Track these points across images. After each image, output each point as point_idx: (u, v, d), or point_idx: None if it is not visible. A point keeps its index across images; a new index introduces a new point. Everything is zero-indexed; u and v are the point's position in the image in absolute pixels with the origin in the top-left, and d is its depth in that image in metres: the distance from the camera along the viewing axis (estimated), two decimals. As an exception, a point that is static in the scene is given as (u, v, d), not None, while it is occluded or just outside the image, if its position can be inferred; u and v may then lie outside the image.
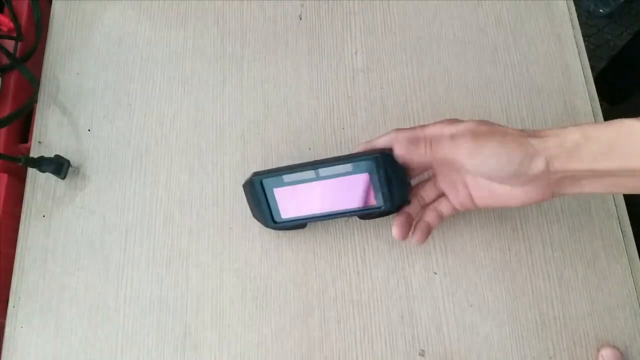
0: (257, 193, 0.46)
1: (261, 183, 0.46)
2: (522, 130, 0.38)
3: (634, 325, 0.51)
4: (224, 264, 0.52)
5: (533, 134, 0.37)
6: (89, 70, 0.59)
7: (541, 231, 0.53)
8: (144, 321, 0.50)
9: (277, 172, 0.45)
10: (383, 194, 0.43)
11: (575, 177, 0.37)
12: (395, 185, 0.43)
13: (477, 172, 0.39)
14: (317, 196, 0.45)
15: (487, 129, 0.38)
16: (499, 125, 0.39)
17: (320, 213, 0.46)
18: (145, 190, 0.54)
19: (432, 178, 0.46)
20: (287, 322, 0.50)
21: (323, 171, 0.44)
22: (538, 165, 0.36)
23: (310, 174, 0.44)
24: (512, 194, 0.40)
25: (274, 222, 0.47)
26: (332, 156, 0.46)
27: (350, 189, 0.44)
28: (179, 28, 0.61)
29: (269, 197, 0.46)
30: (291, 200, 0.46)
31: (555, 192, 0.39)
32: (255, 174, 0.46)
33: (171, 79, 0.59)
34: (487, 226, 0.53)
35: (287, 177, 0.45)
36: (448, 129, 0.40)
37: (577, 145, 0.35)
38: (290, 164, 0.47)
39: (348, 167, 0.43)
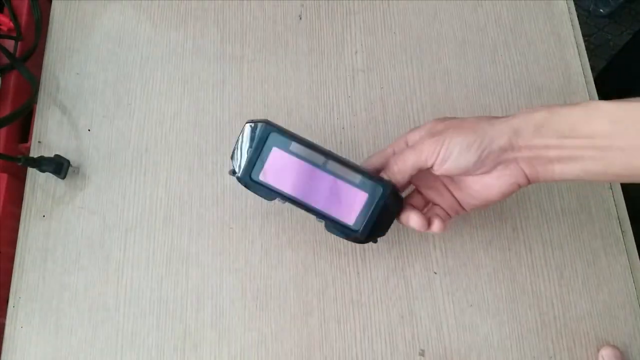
0: (255, 140, 0.42)
1: (266, 136, 0.41)
2: (487, 117, 0.39)
3: (634, 325, 0.51)
4: (224, 264, 0.52)
5: (498, 117, 0.38)
6: (88, 70, 0.59)
7: (541, 231, 0.53)
8: (144, 321, 0.50)
9: (289, 136, 0.41)
10: (366, 221, 0.42)
11: (545, 158, 0.37)
12: (382, 221, 0.42)
13: (444, 169, 0.39)
14: (307, 181, 0.42)
15: (444, 125, 0.39)
16: (458, 118, 0.40)
17: (297, 197, 0.43)
18: (145, 190, 0.54)
19: (416, 190, 0.46)
20: (287, 322, 0.50)
21: (332, 165, 0.42)
22: (499, 142, 0.37)
23: (319, 158, 0.42)
24: (487, 184, 0.39)
25: (249, 177, 0.43)
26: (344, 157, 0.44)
27: (342, 197, 0.42)
28: (179, 28, 0.61)
29: (262, 152, 0.42)
30: (280, 168, 0.42)
31: (530, 175, 0.38)
32: (268, 123, 0.42)
33: (171, 78, 0.59)
34: (487, 226, 0.53)
35: (294, 146, 0.41)
36: (411, 138, 0.42)
37: (543, 120, 0.36)
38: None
39: (356, 177, 0.42)
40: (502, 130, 0.37)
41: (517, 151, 0.37)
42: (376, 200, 0.41)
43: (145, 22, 0.61)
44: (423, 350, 0.49)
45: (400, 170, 0.41)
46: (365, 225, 0.42)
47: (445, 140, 0.37)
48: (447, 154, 0.38)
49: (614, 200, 0.55)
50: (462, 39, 0.61)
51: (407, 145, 0.43)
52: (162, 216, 0.53)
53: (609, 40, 1.67)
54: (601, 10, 1.66)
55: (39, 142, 0.56)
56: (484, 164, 0.38)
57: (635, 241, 0.54)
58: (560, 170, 0.37)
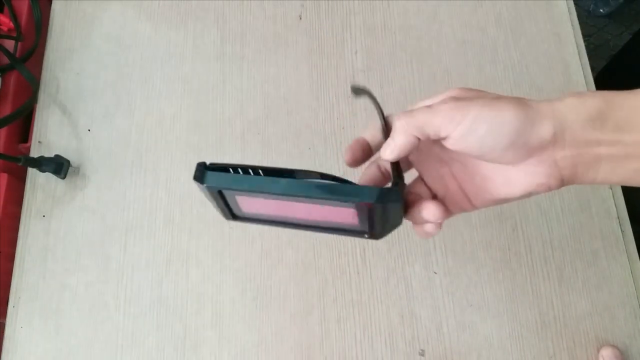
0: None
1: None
2: (525, 99, 0.31)
3: (633, 325, 0.50)
4: (224, 264, 0.52)
5: (537, 101, 0.30)
6: (88, 70, 0.59)
7: (541, 231, 0.53)
8: (144, 321, 0.50)
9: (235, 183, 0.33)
10: (372, 225, 0.33)
11: (593, 155, 0.30)
12: (388, 217, 0.34)
13: (463, 146, 0.31)
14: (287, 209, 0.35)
15: (475, 94, 0.31)
16: (491, 93, 0.32)
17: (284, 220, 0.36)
18: (145, 190, 0.54)
19: (418, 178, 0.37)
20: (287, 322, 0.50)
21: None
22: (543, 131, 0.29)
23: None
24: (510, 178, 0.32)
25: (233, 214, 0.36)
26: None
27: (331, 215, 0.34)
28: (179, 28, 0.61)
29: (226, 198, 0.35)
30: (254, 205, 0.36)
31: (568, 177, 0.31)
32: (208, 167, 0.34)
33: (171, 79, 0.59)
34: (487, 226, 0.53)
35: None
36: (428, 101, 0.33)
37: (598, 111, 0.29)
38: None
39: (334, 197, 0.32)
40: (546, 116, 0.29)
41: (561, 148, 0.30)
42: (368, 212, 0.33)
43: (145, 22, 0.61)
44: (423, 350, 0.49)
45: (403, 127, 0.31)
46: (374, 228, 0.34)
47: (471, 111, 0.29)
48: (471, 129, 0.30)
49: (614, 200, 0.55)
50: (462, 39, 0.61)
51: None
52: (162, 216, 0.53)
53: (609, 40, 1.67)
54: (601, 10, 1.66)
55: (39, 142, 0.56)
56: (514, 152, 0.30)
57: (635, 241, 0.54)
58: (607, 171, 0.31)
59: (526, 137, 0.29)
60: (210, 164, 0.34)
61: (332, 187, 0.33)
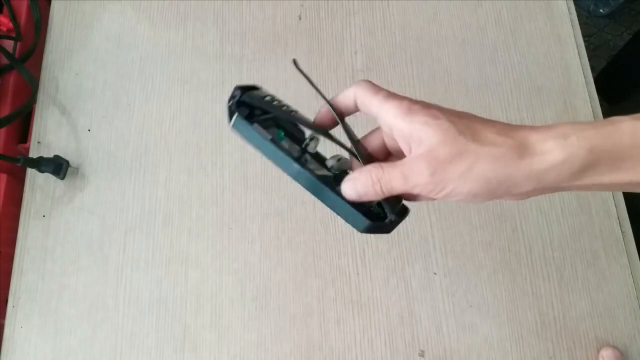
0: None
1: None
2: (502, 142, 0.29)
3: (634, 325, 0.50)
4: (223, 265, 0.52)
5: (520, 143, 0.28)
6: (88, 70, 0.59)
7: (541, 231, 0.53)
8: (143, 321, 0.50)
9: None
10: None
11: (569, 189, 0.31)
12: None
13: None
14: None
15: (445, 154, 0.29)
16: (462, 133, 0.29)
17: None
18: (144, 191, 0.54)
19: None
20: (286, 323, 0.50)
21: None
22: (520, 190, 0.29)
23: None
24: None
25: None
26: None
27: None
28: (179, 28, 0.61)
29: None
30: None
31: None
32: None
33: (171, 79, 0.58)
34: (487, 227, 0.53)
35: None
36: (385, 119, 0.33)
37: (583, 165, 0.28)
38: None
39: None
40: (525, 180, 0.29)
41: (535, 193, 0.30)
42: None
43: (145, 22, 0.61)
44: (423, 351, 0.49)
45: (379, 192, 0.32)
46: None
47: (447, 186, 0.29)
48: (450, 196, 0.30)
49: (614, 201, 0.55)
50: (462, 39, 0.61)
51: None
52: (161, 217, 0.53)
53: (609, 40, 1.67)
54: (601, 10, 1.66)
55: (38, 142, 0.56)
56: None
57: (635, 241, 0.54)
58: (577, 188, 0.31)
59: (504, 194, 0.30)
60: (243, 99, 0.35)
61: (334, 201, 0.34)
